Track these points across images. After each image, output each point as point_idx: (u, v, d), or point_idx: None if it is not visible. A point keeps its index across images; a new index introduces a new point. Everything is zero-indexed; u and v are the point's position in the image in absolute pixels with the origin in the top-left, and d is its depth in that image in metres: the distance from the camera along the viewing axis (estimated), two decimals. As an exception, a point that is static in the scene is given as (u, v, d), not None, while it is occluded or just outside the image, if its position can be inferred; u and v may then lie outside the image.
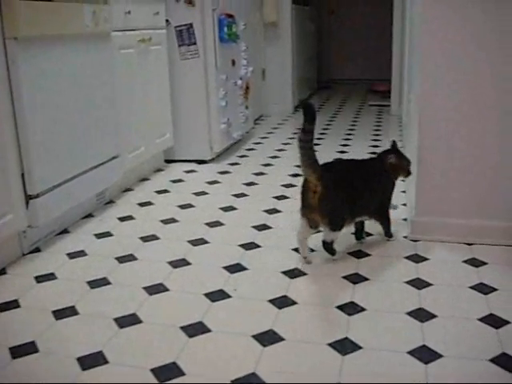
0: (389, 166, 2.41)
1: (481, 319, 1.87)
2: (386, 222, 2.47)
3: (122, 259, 2.37)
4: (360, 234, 2.50)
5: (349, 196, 2.24)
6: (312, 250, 2.39)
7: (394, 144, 2.51)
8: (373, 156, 2.57)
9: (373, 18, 8.53)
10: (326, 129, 5.18)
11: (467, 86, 2.37)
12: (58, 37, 2.48)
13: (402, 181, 2.49)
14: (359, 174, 2.33)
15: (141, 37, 3.28)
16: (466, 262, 2.32)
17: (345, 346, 1.72)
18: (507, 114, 2.36)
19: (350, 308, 1.95)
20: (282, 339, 1.76)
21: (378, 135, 4.88)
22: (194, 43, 3.76)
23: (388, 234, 2.50)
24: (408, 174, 2.47)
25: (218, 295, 2.05)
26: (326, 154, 4.14)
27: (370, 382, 1.56)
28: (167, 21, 3.71)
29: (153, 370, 1.61)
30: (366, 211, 2.38)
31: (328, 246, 2.29)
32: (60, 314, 1.94)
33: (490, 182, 2.44)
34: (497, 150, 2.41)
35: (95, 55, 2.79)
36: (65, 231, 2.69)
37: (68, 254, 2.43)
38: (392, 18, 5.91)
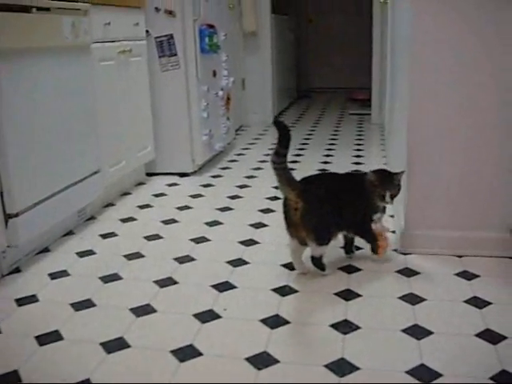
0: (367, 183, 2.28)
1: (478, 335, 1.84)
2: (369, 238, 2.36)
3: (106, 279, 2.30)
4: (349, 247, 2.45)
5: (333, 209, 2.20)
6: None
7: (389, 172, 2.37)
8: (359, 171, 2.50)
9: (351, 26, 8.56)
10: (308, 139, 5.13)
11: (458, 93, 2.34)
12: (36, 49, 2.40)
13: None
14: (342, 187, 2.29)
15: (121, 48, 3.22)
16: (457, 274, 2.28)
17: (342, 368, 1.67)
18: (500, 125, 2.34)
19: (344, 326, 1.90)
20: (276, 361, 1.70)
21: (360, 145, 4.85)
22: (175, 54, 3.71)
23: (374, 251, 2.40)
24: (382, 199, 2.26)
25: (207, 316, 1.99)
26: (308, 165, 4.10)
27: (370, 406, 1.51)
28: (147, 31, 3.65)
29: (144, 399, 1.55)
30: (349, 226, 2.32)
31: (317, 262, 2.25)
32: (44, 339, 1.85)
33: (480, 194, 2.42)
34: (488, 161, 2.38)
35: (75, 68, 2.72)
36: (45, 250, 2.61)
37: (50, 275, 2.35)
38: (371, 25, 5.91)
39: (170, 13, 3.65)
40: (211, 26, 3.95)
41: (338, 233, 2.31)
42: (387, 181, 2.28)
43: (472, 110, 2.35)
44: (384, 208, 2.35)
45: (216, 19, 4.15)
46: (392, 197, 2.26)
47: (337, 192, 2.25)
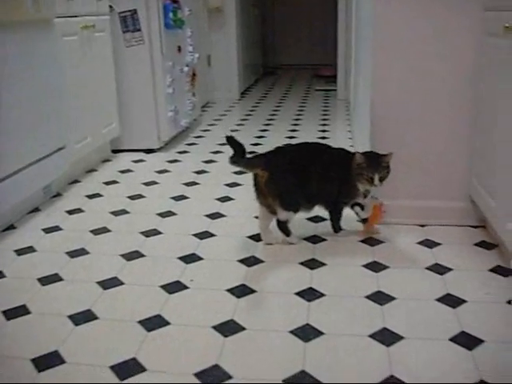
0: (353, 165, 2.26)
1: (438, 299, 1.89)
2: (335, 217, 2.41)
3: (72, 254, 2.30)
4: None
5: (300, 178, 2.25)
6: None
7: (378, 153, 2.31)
8: (346, 150, 2.41)
9: (317, 3, 8.54)
10: (274, 115, 5.15)
11: (418, 71, 2.39)
12: (-4, 24, 2.37)
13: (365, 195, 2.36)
14: (316, 160, 2.30)
15: (84, 23, 3.18)
16: (420, 243, 2.34)
17: (307, 333, 1.71)
18: (455, 100, 2.40)
19: (309, 294, 1.94)
20: (243, 329, 1.74)
21: (326, 120, 4.89)
22: (139, 29, 3.68)
23: (335, 230, 2.43)
24: (371, 181, 2.23)
25: (174, 287, 2.01)
26: (274, 139, 4.13)
27: (334, 368, 1.55)
28: (111, 7, 3.61)
29: (112, 368, 1.56)
30: (322, 200, 2.35)
31: (282, 225, 2.31)
32: (11, 313, 1.86)
33: (442, 165, 2.48)
34: (447, 134, 2.44)
35: (38, 42, 2.69)
36: (11, 227, 2.59)
37: (16, 251, 2.34)
38: (337, 2, 5.92)
39: (133, -13, 3.61)
40: (175, 1, 3.92)
41: (309, 206, 2.34)
42: (375, 163, 2.24)
43: (429, 84, 2.40)
44: (366, 195, 2.33)
45: (180, -6, 4.12)
46: (381, 179, 2.23)
47: (313, 163, 2.28)
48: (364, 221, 2.44)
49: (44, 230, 2.56)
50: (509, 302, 1.85)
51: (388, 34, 2.37)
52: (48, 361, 1.60)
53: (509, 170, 1.93)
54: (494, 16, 2.14)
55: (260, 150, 3.85)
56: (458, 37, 2.34)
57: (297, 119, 4.95)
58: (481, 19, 2.30)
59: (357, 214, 2.42)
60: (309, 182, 2.27)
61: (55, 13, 2.85)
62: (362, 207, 2.39)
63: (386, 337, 1.68)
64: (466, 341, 1.66)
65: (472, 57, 2.35)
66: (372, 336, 1.69)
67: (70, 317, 1.83)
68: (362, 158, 2.24)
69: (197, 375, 1.52)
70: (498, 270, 2.09)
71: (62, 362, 1.60)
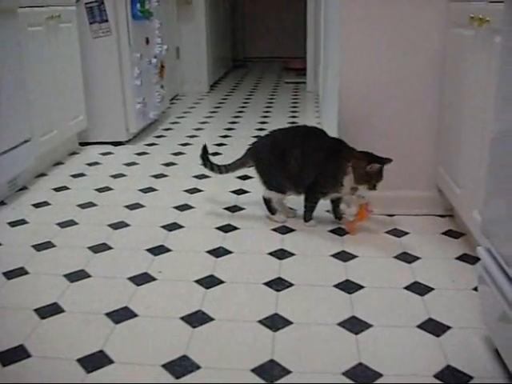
0: (364, 169, 2.22)
1: (406, 287, 1.91)
2: (309, 204, 2.41)
3: (38, 247, 2.27)
4: (337, 211, 2.46)
5: (281, 160, 2.35)
6: (291, 209, 2.55)
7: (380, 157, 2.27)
8: (343, 142, 2.36)
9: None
10: (243, 107, 5.14)
11: (384, 63, 2.40)
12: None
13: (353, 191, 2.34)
14: (300, 143, 2.33)
15: (49, 14, 3.12)
16: (388, 232, 2.36)
17: (275, 322, 1.71)
18: (422, 91, 2.42)
19: (278, 284, 1.94)
20: (211, 319, 1.73)
21: (295, 112, 4.89)
22: (106, 20, 3.63)
23: (305, 218, 2.43)
24: (373, 188, 2.25)
25: (142, 278, 1.99)
26: (244, 131, 4.13)
27: (302, 357, 1.55)
28: (76, -3, 3.56)
29: (79, 361, 1.54)
30: (301, 183, 2.36)
31: (266, 202, 2.49)
32: (-25, 307, 1.83)
33: (410, 155, 2.50)
34: (414, 125, 2.46)
35: (1, 32, 2.63)
36: (-25, 221, 2.55)
37: (-20, 245, 2.30)
38: (305, -6, 5.93)
39: (99, -23, 3.57)
40: (142, -8, 3.88)
41: (292, 186, 2.38)
42: (382, 171, 2.23)
43: (396, 76, 2.42)
44: (353, 193, 2.33)
45: (147, -15, 4.08)
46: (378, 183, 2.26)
47: (288, 146, 2.35)
48: (338, 217, 2.46)
49: (9, 223, 2.51)
50: (475, 289, 1.87)
51: (354, 27, 2.39)
52: (13, 355, 1.57)
53: (473, 158, 1.95)
54: (459, 7, 2.16)
55: (229, 142, 3.86)
56: (424, 28, 2.36)
57: (266, 111, 4.94)
58: (446, 10, 2.32)
59: (335, 209, 2.45)
60: (289, 164, 2.33)
61: (19, 2, 2.80)
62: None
63: (355, 325, 1.69)
64: (434, 327, 1.67)
65: (438, 48, 2.37)
66: (340, 324, 1.70)
67: (36, 310, 1.80)
68: (378, 168, 2.22)
69: (165, 366, 1.51)
70: (464, 258, 2.12)
71: (28, 355, 1.57)
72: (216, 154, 3.49)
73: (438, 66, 2.38)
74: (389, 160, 2.24)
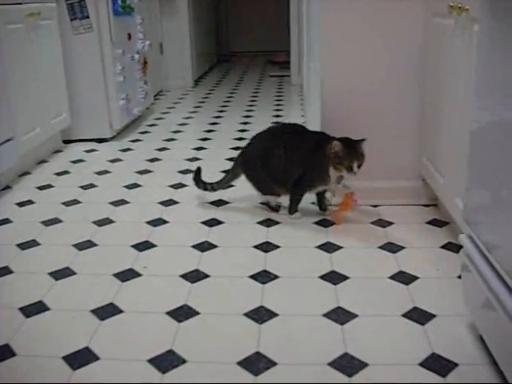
0: (330, 153, 2.23)
1: (391, 277, 1.92)
2: (294, 197, 2.41)
3: (23, 246, 2.25)
4: (323, 203, 2.47)
5: (266, 163, 2.37)
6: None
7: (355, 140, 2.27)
8: (325, 134, 2.36)
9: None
10: (228, 101, 5.13)
11: (365, 55, 2.41)
12: None
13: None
14: (282, 142, 2.34)
15: (29, 11, 3.10)
16: (373, 223, 2.37)
17: (261, 315, 1.71)
18: (405, 81, 2.43)
19: (263, 277, 1.94)
20: (197, 313, 1.73)
21: (280, 105, 4.89)
22: (87, 17, 3.60)
23: (290, 210, 2.44)
24: (350, 169, 2.20)
25: (127, 274, 1.98)
26: (228, 126, 4.12)
27: (288, 349, 1.56)
28: (56, -7, 3.53)
29: (65, 358, 1.54)
30: (287, 181, 2.37)
31: (265, 205, 2.53)
32: (-42, 307, 1.81)
33: (394, 146, 2.50)
34: (397, 115, 2.47)
35: (-21, 31, 2.61)
36: (-41, 221, 2.53)
37: (-36, 245, 2.28)
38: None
39: (79, -27, 3.54)
40: (123, -13, 3.86)
41: (281, 185, 2.40)
42: (353, 150, 2.21)
43: (378, 67, 2.42)
44: (339, 181, 2.33)
45: (128, -20, 4.05)
46: (359, 166, 2.21)
47: (270, 147, 2.37)
48: (323, 208, 2.46)
49: (-7, 223, 2.50)
50: (459, 277, 1.88)
51: (333, 20, 2.39)
52: (-3, 354, 1.56)
53: (455, 147, 1.96)
54: (439, -4, 2.16)
55: (213, 136, 3.85)
56: (404, 19, 2.37)
57: (251, 105, 4.93)
58: (425, 0, 2.32)
59: (320, 200, 2.46)
60: (273, 164, 2.35)
61: (-3, 0, 2.78)
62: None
63: (340, 315, 1.70)
64: (419, 316, 1.68)
65: (418, 38, 2.37)
66: (326, 315, 1.70)
67: (21, 309, 1.79)
68: (340, 146, 2.20)
69: (150, 361, 1.51)
70: (449, 246, 2.13)
71: (13, 354, 1.56)
72: (201, 148, 3.48)
73: (419, 57, 2.39)
74: (362, 140, 2.24)
